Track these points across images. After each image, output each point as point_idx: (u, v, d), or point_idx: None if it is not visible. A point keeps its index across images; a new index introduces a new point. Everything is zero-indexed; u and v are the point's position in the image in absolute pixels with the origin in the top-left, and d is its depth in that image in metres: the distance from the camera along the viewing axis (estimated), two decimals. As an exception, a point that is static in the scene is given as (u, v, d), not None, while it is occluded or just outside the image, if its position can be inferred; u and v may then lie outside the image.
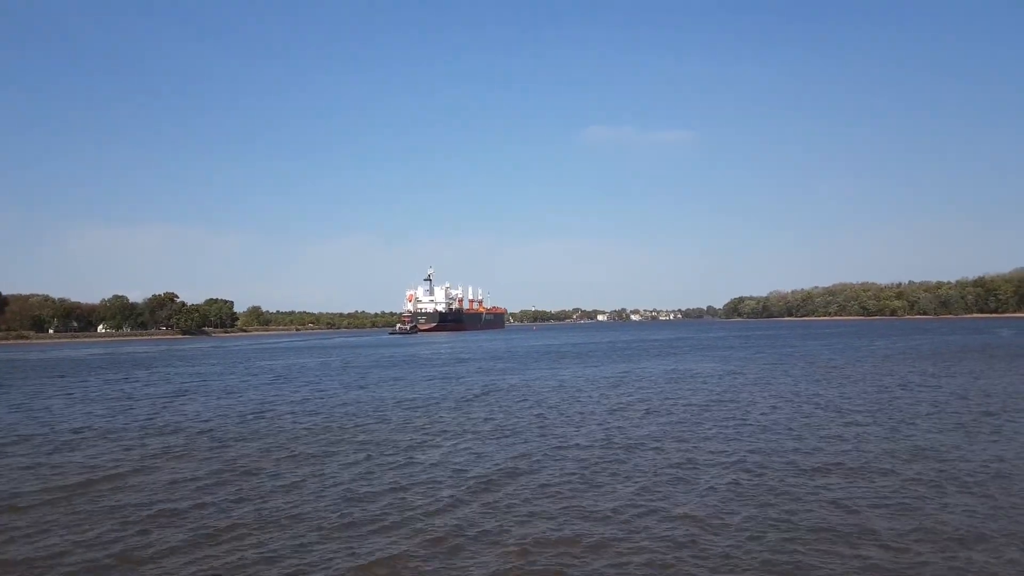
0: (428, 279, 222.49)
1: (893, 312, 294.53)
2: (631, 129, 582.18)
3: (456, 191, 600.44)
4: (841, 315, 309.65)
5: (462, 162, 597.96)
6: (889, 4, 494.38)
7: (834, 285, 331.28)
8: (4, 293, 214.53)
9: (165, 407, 30.87)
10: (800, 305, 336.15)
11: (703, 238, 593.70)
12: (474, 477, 15.77)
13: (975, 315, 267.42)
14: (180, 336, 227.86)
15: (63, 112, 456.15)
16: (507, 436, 21.06)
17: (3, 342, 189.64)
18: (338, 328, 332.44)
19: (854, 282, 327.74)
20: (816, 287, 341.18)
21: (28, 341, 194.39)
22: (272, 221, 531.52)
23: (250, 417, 26.74)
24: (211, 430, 23.61)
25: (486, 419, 24.68)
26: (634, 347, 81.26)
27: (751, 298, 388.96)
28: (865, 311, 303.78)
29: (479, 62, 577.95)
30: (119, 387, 42.14)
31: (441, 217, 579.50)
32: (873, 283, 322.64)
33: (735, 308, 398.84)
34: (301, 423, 24.75)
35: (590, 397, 30.92)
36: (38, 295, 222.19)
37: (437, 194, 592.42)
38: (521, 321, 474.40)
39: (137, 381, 46.55)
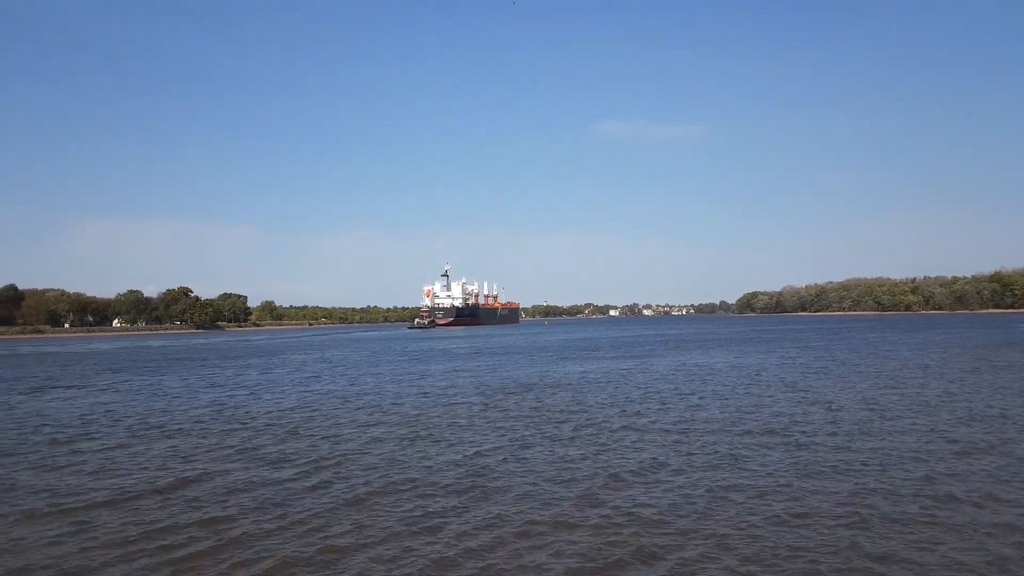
0: (445, 275, 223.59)
1: (908, 307, 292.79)
2: (644, 123, 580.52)
3: (468, 185, 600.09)
4: (855, 310, 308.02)
5: (474, 156, 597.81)
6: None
7: (848, 280, 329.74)
8: (20, 288, 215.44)
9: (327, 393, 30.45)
10: (814, 300, 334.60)
11: (716, 233, 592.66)
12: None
13: (991, 310, 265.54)
14: (195, 331, 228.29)
15: (77, 108, 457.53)
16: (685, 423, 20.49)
17: (20, 336, 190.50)
18: (351, 323, 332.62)
19: (868, 277, 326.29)
20: (830, 282, 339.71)
21: (45, 335, 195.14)
22: (284, 215, 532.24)
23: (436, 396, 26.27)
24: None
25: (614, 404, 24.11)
26: (669, 341, 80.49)
27: (764, 293, 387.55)
28: (879, 306, 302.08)
29: (493, 57, 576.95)
30: (286, 375, 41.77)
31: (453, 212, 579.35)
32: (887, 278, 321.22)
33: (748, 303, 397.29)
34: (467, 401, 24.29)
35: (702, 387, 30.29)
36: (54, 290, 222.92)
37: (449, 189, 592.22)
38: (533, 316, 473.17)
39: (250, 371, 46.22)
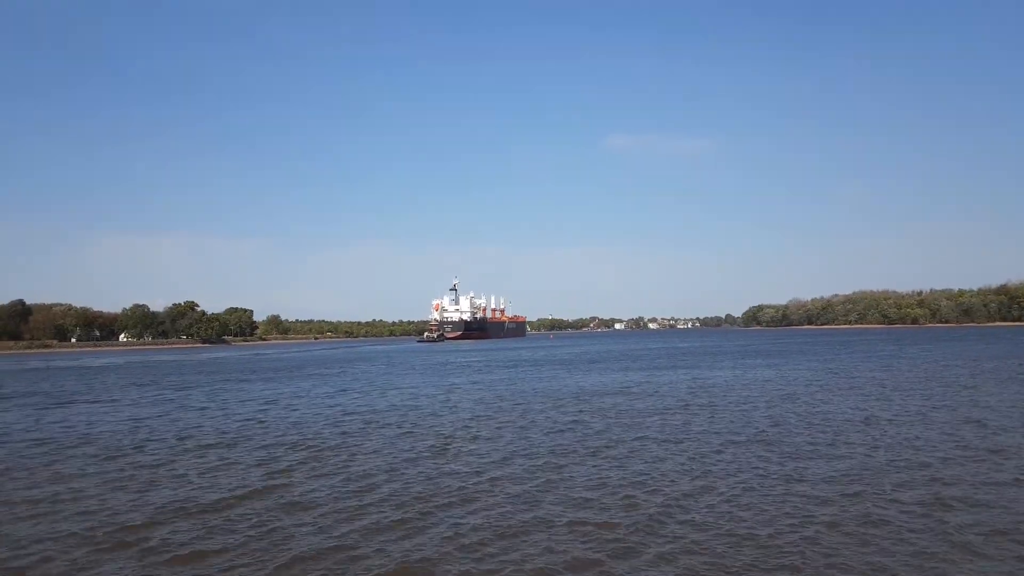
0: (454, 289, 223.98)
1: (915, 320, 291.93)
2: (651, 137, 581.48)
3: (474, 198, 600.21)
4: (861, 323, 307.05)
5: (480, 170, 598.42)
6: (910, 10, 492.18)
7: (854, 293, 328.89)
8: (28, 302, 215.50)
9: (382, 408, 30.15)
10: (820, 313, 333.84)
11: (721, 246, 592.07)
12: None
13: (998, 323, 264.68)
14: (201, 345, 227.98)
15: (82, 121, 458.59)
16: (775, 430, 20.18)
17: (28, 351, 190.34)
18: (356, 337, 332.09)
19: (874, 290, 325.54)
20: (836, 295, 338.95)
21: (52, 350, 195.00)
22: (290, 229, 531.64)
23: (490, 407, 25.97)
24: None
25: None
26: (689, 354, 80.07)
27: (770, 306, 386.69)
28: (886, 319, 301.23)
29: (501, 68, 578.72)
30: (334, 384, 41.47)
31: (459, 224, 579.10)
32: (893, 291, 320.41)
33: (754, 316, 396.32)
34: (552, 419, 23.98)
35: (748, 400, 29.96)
36: (61, 304, 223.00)
37: (455, 201, 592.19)
38: (539, 330, 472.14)
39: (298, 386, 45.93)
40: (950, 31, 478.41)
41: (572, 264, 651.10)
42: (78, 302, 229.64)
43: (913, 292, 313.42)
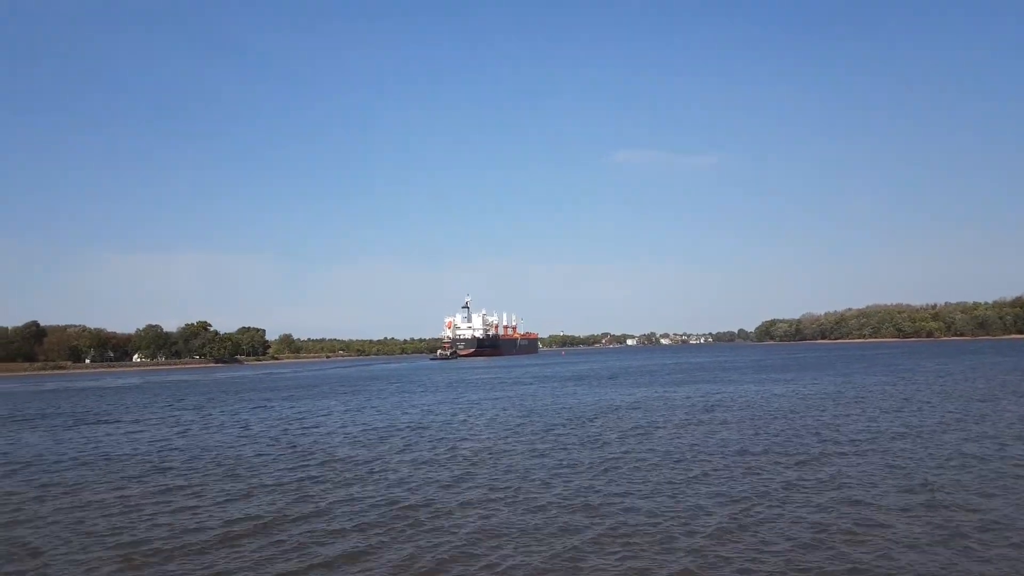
0: (466, 306, 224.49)
1: (929, 334, 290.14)
2: (660, 152, 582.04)
3: (483, 216, 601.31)
4: (875, 337, 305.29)
5: (490, 185, 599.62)
6: (920, 23, 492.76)
7: (867, 307, 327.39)
8: (41, 324, 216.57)
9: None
10: (833, 328, 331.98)
11: (733, 261, 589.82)
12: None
13: (1014, 336, 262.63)
14: (214, 364, 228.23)
15: (91, 141, 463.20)
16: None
17: (43, 372, 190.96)
18: (368, 355, 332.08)
19: (888, 303, 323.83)
20: (849, 309, 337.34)
21: (67, 371, 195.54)
22: (300, 248, 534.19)
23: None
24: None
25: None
26: (704, 369, 79.33)
27: (783, 321, 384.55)
28: (900, 333, 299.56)
29: (508, 84, 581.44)
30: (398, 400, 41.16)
31: (467, 242, 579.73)
32: (907, 304, 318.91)
33: (767, 331, 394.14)
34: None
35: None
36: (75, 326, 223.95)
37: (464, 218, 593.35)
38: (550, 346, 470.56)
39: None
40: (961, 41, 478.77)
41: (583, 280, 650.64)
42: (92, 323, 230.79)
43: (927, 305, 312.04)
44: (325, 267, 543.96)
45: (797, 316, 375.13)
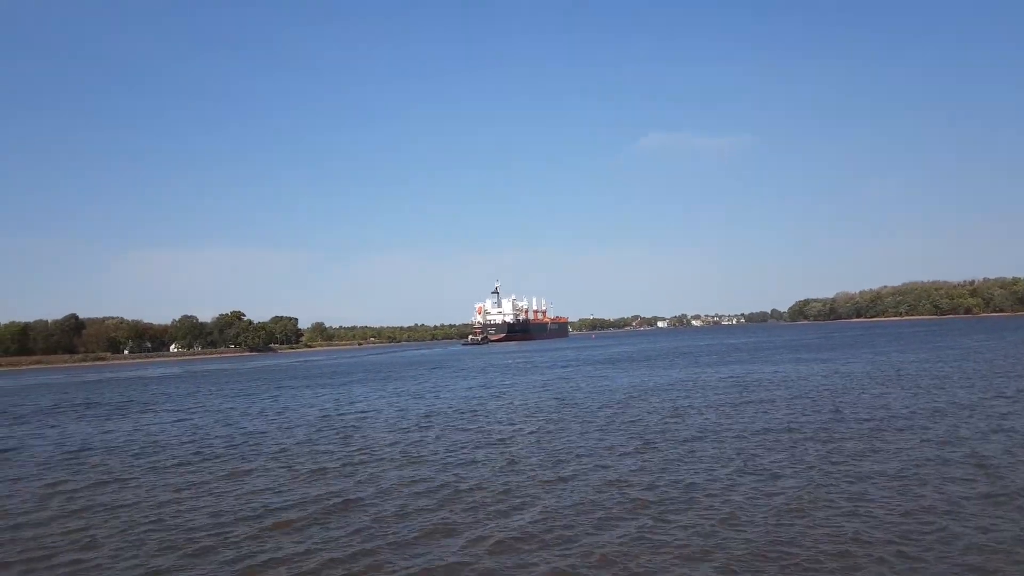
0: (495, 292, 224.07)
1: (968, 310, 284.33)
2: (690, 134, 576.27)
3: (511, 202, 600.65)
4: (912, 315, 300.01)
5: (518, 171, 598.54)
6: (946, 3, 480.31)
7: (904, 284, 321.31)
8: (81, 317, 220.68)
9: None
10: (869, 306, 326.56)
11: (765, 240, 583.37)
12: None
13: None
14: (249, 353, 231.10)
15: (132, 143, 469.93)
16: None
17: (83, 364, 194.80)
18: (399, 342, 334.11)
19: (924, 280, 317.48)
20: (885, 287, 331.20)
21: (106, 362, 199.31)
22: (331, 238, 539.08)
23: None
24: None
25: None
26: (740, 349, 78.27)
27: (817, 300, 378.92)
28: (938, 310, 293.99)
29: (536, 70, 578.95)
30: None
31: (496, 228, 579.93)
32: (944, 281, 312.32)
33: (800, 311, 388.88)
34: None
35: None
36: (113, 318, 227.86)
37: (494, 205, 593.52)
38: (580, 330, 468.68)
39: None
40: (988, 22, 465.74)
41: (612, 263, 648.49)
42: (129, 315, 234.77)
43: (965, 281, 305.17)
44: (355, 256, 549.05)
45: (831, 295, 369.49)
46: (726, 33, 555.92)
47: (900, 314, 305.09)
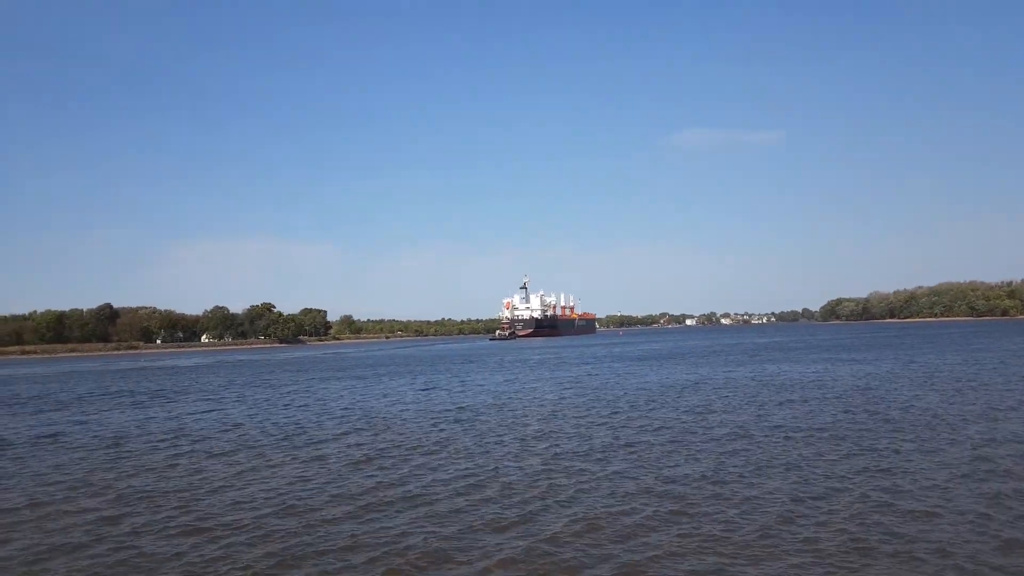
0: (524, 287, 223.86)
1: (1005, 312, 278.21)
2: (723, 131, 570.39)
3: (541, 198, 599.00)
4: (947, 316, 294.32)
5: (550, 166, 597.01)
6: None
7: (939, 284, 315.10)
8: (115, 307, 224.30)
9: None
10: (903, 306, 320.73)
11: (798, 238, 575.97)
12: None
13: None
14: (278, 345, 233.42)
15: (163, 140, 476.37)
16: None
17: (117, 352, 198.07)
18: (426, 335, 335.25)
19: (960, 281, 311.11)
20: (920, 287, 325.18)
21: (139, 351, 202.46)
22: (360, 232, 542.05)
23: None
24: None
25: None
26: (771, 349, 77.22)
27: (850, 299, 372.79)
28: (974, 311, 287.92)
29: (569, 66, 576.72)
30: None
31: (526, 223, 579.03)
32: (981, 282, 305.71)
33: (833, 310, 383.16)
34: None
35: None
36: (146, 308, 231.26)
37: (521, 200, 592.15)
38: (607, 326, 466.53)
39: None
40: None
41: (641, 260, 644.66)
42: (162, 305, 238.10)
43: (1003, 283, 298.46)
44: (384, 250, 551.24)
45: (864, 294, 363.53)
46: (759, 28, 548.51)
47: (935, 315, 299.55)
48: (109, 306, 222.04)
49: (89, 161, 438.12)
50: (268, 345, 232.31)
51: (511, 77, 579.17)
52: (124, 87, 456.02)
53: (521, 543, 10.79)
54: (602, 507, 12.61)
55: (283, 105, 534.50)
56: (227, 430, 24.94)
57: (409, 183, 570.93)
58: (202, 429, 25.49)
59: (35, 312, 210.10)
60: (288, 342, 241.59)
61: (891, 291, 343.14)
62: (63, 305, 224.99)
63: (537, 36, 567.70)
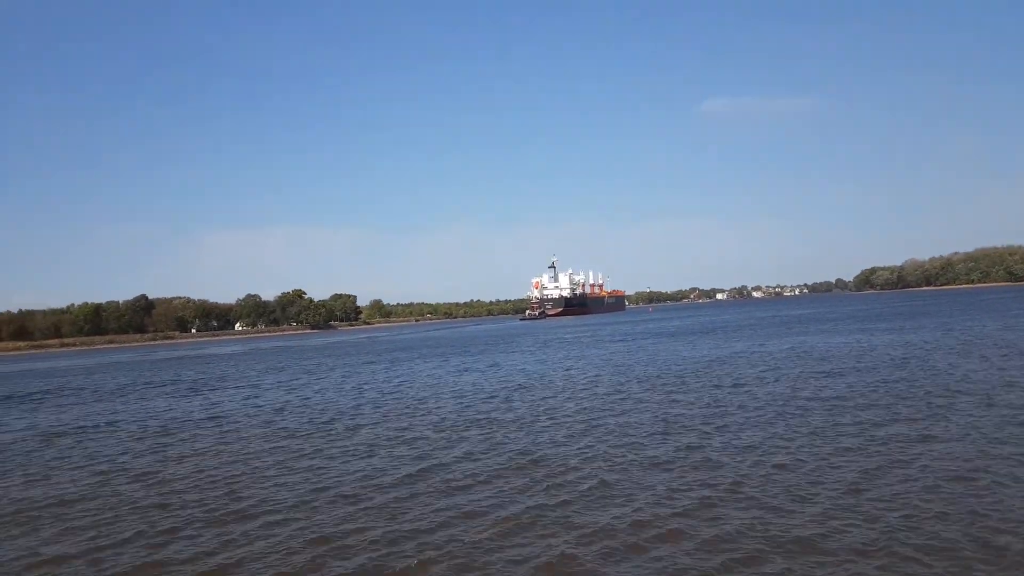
0: (552, 266, 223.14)
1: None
2: (751, 99, 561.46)
3: (566, 174, 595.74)
4: (985, 282, 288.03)
5: (575, 141, 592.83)
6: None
7: (976, 250, 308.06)
8: (150, 297, 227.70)
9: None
10: (939, 273, 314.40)
11: (829, 208, 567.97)
12: None
13: None
14: (310, 331, 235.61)
15: (194, 130, 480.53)
16: None
17: (153, 342, 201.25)
18: (455, 317, 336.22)
19: (998, 246, 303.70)
20: (956, 253, 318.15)
21: (175, 340, 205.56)
22: (386, 216, 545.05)
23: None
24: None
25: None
26: (818, 320, 75.80)
27: (884, 268, 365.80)
28: (1012, 276, 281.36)
29: (593, 39, 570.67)
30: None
31: (552, 201, 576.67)
32: (1019, 246, 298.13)
33: (867, 280, 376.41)
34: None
35: None
36: (180, 298, 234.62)
37: (548, 178, 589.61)
38: (636, 303, 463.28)
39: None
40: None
41: (669, 234, 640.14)
42: (195, 295, 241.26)
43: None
44: (410, 234, 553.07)
45: (899, 263, 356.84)
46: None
47: (972, 281, 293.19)
48: (144, 297, 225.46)
49: (119, 155, 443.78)
50: (300, 331, 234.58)
51: (536, 55, 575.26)
52: (153, 80, 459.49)
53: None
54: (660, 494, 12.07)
55: (306, 87, 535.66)
56: (323, 417, 24.77)
57: (431, 164, 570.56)
58: (267, 412, 25.36)
59: (72, 305, 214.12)
60: (319, 328, 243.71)
61: (927, 258, 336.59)
62: (99, 297, 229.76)
63: (561, 14, 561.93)
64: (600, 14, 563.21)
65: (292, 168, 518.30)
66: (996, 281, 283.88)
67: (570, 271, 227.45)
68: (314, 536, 10.65)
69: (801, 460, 13.24)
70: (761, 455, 13.86)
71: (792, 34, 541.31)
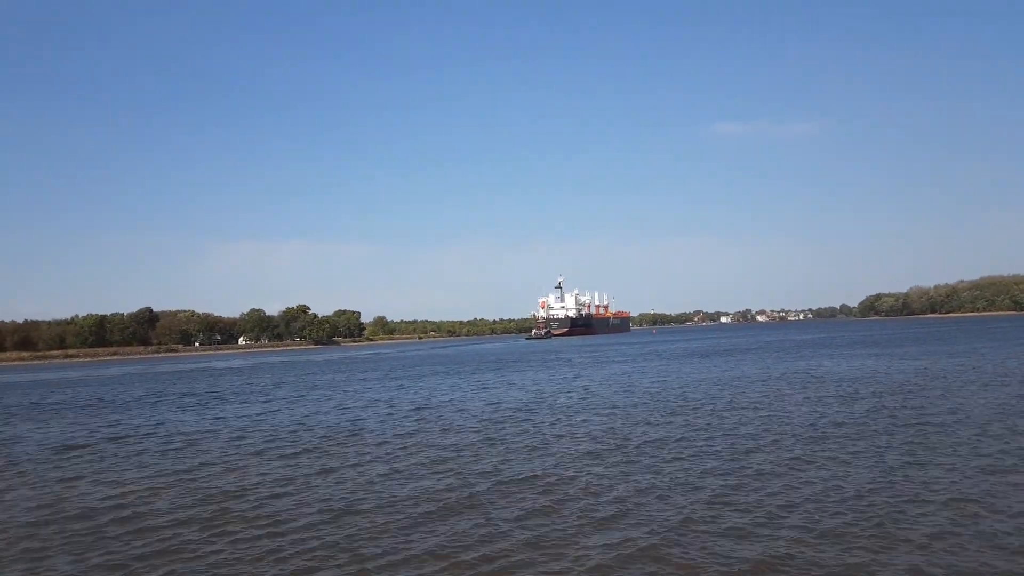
0: (559, 286, 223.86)
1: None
2: (760, 123, 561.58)
3: (574, 195, 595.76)
4: (990, 311, 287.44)
5: (580, 164, 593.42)
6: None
7: (981, 278, 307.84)
8: (155, 309, 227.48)
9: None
10: (944, 301, 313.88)
11: (834, 233, 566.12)
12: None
13: None
14: (314, 346, 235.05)
15: (198, 142, 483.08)
16: None
17: (156, 355, 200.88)
18: (458, 335, 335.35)
19: (1004, 275, 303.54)
20: (961, 281, 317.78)
21: (178, 354, 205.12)
22: (392, 232, 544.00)
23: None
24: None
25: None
26: (823, 345, 75.46)
27: (889, 295, 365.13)
28: (1017, 305, 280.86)
29: (603, 58, 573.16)
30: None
31: (558, 222, 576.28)
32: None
33: (872, 306, 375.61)
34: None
35: None
36: (184, 311, 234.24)
37: (553, 197, 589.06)
38: (640, 324, 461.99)
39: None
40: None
41: (675, 257, 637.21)
42: (200, 308, 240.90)
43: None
44: (416, 251, 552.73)
45: (904, 289, 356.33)
46: (796, 17, 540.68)
47: (977, 310, 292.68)
48: (149, 310, 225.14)
49: (125, 165, 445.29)
50: (303, 347, 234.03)
51: (544, 71, 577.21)
52: (158, 89, 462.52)
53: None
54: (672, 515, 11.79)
55: (316, 105, 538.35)
56: (349, 429, 24.48)
57: (441, 182, 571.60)
58: (274, 429, 25.08)
59: (77, 316, 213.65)
60: (323, 343, 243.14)
61: (932, 286, 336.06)
62: (104, 309, 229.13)
63: (570, 30, 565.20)
64: (613, 35, 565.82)
65: (297, 182, 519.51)
66: (1001, 310, 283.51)
67: (576, 292, 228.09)
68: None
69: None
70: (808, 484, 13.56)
71: (795, 60, 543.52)
